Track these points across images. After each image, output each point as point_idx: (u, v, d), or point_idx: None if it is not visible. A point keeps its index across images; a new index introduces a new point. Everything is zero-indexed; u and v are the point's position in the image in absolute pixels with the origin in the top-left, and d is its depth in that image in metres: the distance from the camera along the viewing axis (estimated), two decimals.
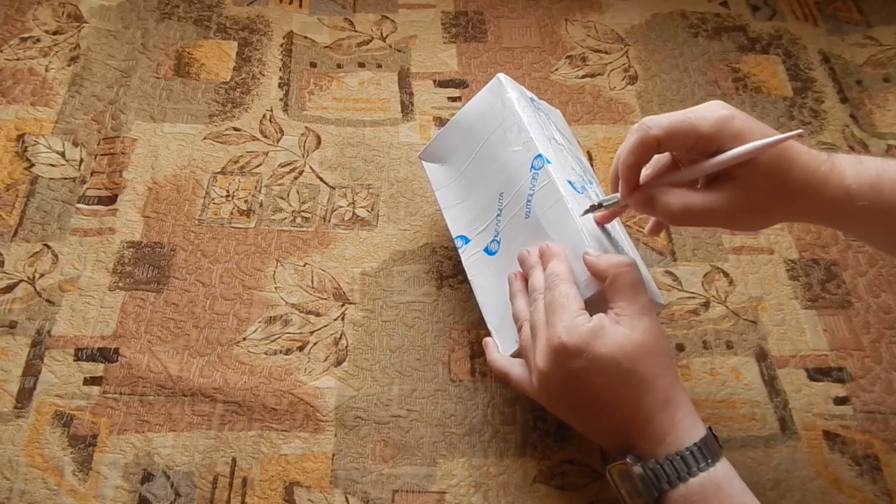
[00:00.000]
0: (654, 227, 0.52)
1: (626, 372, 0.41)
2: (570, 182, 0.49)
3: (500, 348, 0.50)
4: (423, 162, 0.59)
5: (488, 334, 0.51)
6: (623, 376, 0.41)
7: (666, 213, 0.42)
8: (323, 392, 0.54)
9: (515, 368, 0.47)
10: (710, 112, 0.41)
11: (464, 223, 0.55)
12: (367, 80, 0.74)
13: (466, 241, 0.54)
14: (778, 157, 0.40)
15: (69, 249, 0.61)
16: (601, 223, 0.49)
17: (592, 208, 0.46)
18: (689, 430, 0.40)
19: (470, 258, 0.54)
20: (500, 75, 0.55)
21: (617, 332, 0.41)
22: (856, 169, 0.41)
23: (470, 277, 0.53)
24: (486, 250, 0.53)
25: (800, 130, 0.41)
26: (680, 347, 0.58)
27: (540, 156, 0.49)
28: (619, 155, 0.43)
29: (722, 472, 0.39)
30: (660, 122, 0.41)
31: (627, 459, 0.41)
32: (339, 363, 0.56)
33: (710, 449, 0.40)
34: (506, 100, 0.53)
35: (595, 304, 0.44)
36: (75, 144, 0.68)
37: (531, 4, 0.83)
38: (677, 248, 0.63)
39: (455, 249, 0.56)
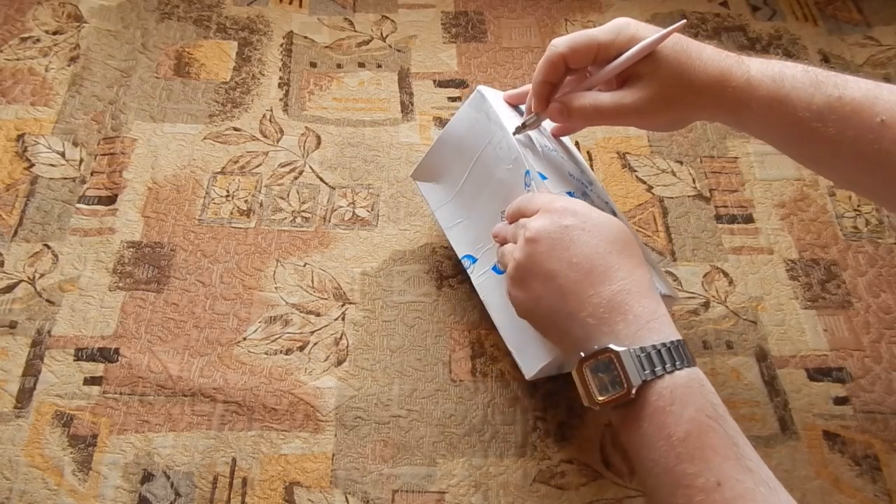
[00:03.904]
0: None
1: (619, 239, 0.41)
2: (569, 193, 0.48)
3: (522, 368, 0.49)
4: (417, 182, 0.58)
5: (489, 334, 0.51)
6: (617, 240, 0.41)
7: (581, 114, 0.46)
8: (323, 392, 0.54)
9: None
10: (609, 24, 0.46)
11: (468, 242, 0.54)
12: (367, 80, 0.74)
13: (473, 260, 0.54)
14: (680, 51, 0.44)
15: (69, 249, 0.61)
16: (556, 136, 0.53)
17: (518, 130, 0.49)
18: (671, 327, 0.39)
19: (479, 278, 0.53)
20: (480, 88, 0.53)
21: (602, 213, 0.42)
22: (761, 64, 0.44)
23: (482, 297, 0.53)
24: (495, 269, 0.52)
25: (682, 21, 0.44)
26: None
27: (529, 171, 0.48)
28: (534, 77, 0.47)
29: (702, 373, 0.38)
30: (563, 39, 0.45)
31: (610, 345, 0.37)
32: (339, 363, 0.56)
33: (689, 351, 0.38)
34: (490, 114, 0.51)
35: None
36: (75, 144, 0.68)
37: (531, 4, 0.83)
38: (677, 248, 0.63)
39: (460, 262, 0.55)
